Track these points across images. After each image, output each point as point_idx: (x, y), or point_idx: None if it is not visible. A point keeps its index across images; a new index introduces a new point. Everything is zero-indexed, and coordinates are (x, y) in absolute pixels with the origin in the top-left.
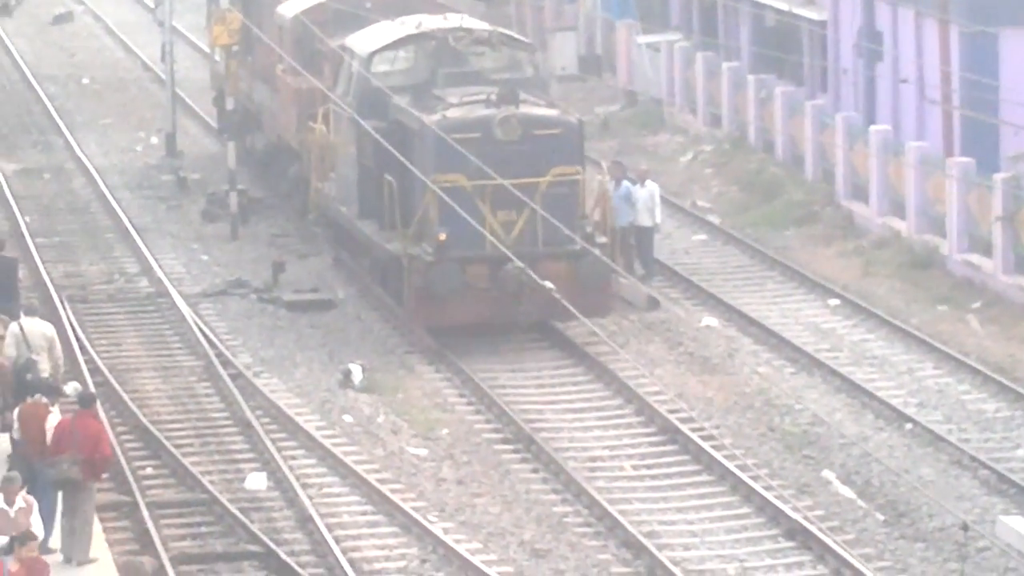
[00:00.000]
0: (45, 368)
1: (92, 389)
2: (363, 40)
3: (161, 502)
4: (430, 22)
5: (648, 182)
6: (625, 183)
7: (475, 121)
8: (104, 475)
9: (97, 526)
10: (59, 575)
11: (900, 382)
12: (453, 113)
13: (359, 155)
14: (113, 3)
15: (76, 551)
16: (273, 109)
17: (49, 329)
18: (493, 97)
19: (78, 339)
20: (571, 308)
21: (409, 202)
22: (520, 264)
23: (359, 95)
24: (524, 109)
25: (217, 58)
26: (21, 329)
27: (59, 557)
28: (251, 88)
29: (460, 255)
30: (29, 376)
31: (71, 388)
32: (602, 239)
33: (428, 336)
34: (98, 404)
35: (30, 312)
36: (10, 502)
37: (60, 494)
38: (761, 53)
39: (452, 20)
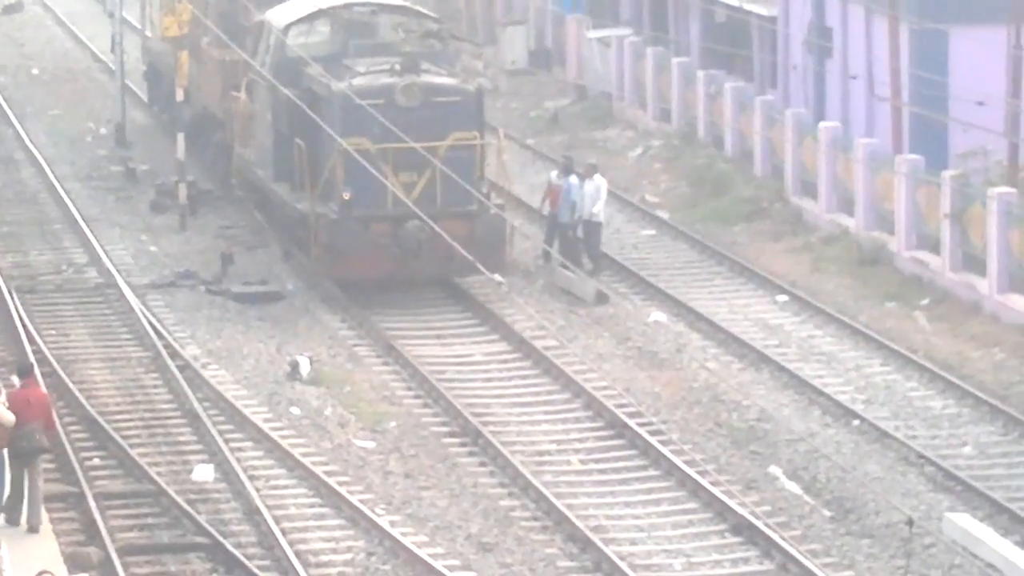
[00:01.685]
0: None
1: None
2: (281, 14)
3: (108, 493)
4: None
5: (596, 176)
6: (570, 178)
7: (379, 88)
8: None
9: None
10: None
11: (848, 378)
12: (359, 81)
13: (275, 122)
14: None
15: (33, 517)
16: (199, 81)
17: None
18: (397, 67)
19: (26, 329)
20: (472, 260)
21: (317, 164)
22: (423, 218)
23: (276, 65)
24: (425, 78)
25: (148, 33)
26: None
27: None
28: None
29: (363, 213)
30: None
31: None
32: (497, 201)
33: (335, 287)
34: (36, 371)
35: None
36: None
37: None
38: (711, 48)
39: None
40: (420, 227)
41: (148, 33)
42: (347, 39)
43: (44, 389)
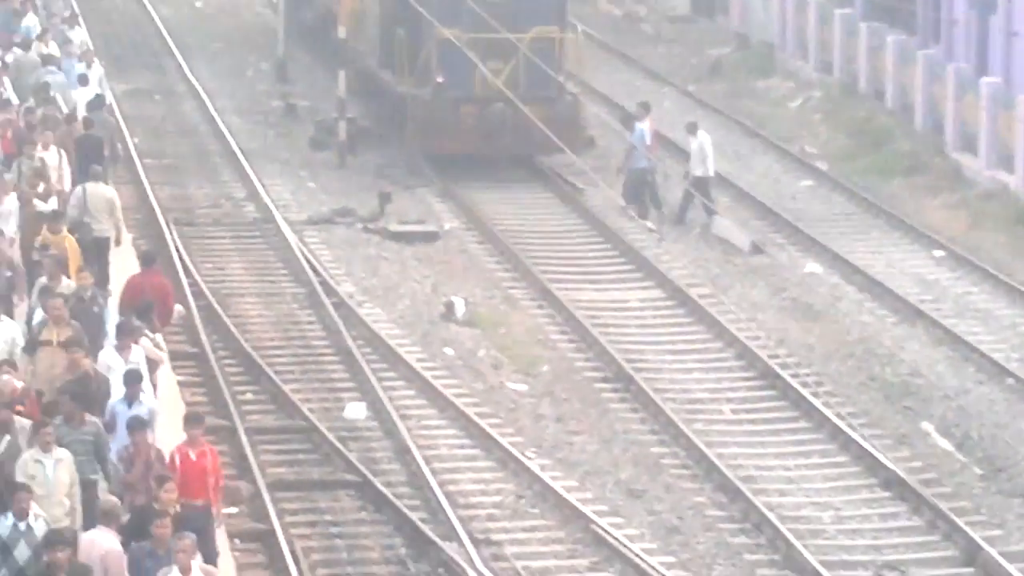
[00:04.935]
0: (105, 229)
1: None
2: None
3: (260, 428)
4: None
5: (700, 132)
6: (639, 127)
7: None
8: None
9: None
10: None
11: (1003, 336)
12: None
13: (381, 15)
14: None
15: None
16: None
17: (110, 192)
18: None
19: (183, 261)
20: (553, 138)
21: (415, 52)
22: (511, 97)
23: None
24: None
25: None
26: (84, 192)
27: None
28: None
29: (454, 95)
30: (76, 236)
31: (176, 312)
32: (574, 89)
33: (427, 165)
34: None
35: (95, 177)
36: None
37: None
38: (874, 1)
39: None
40: (504, 109)
41: None
42: None
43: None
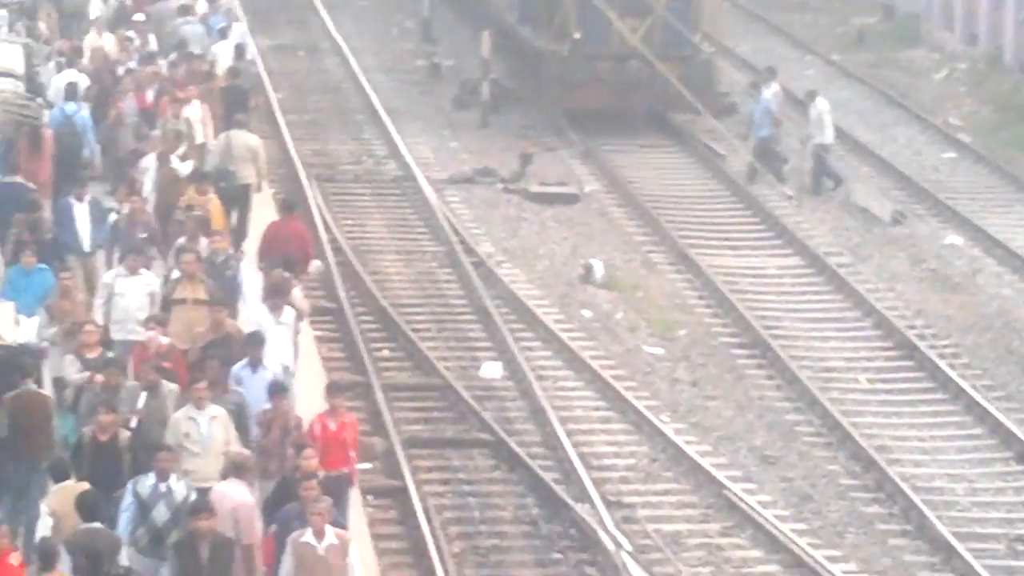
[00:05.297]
0: (247, 176)
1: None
2: None
3: (395, 385)
4: None
5: (819, 99)
6: (764, 93)
7: None
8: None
9: None
10: None
11: None
12: None
13: None
14: None
15: None
16: None
17: (255, 140)
18: None
19: (323, 217)
20: (687, 95)
21: (554, 8)
22: (647, 55)
23: None
24: None
25: None
26: (228, 139)
27: None
28: None
29: (590, 52)
30: (223, 184)
31: (313, 267)
32: (709, 48)
33: (569, 126)
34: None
35: (239, 125)
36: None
37: None
38: None
39: None
40: (640, 66)
41: None
42: None
43: (304, 226)
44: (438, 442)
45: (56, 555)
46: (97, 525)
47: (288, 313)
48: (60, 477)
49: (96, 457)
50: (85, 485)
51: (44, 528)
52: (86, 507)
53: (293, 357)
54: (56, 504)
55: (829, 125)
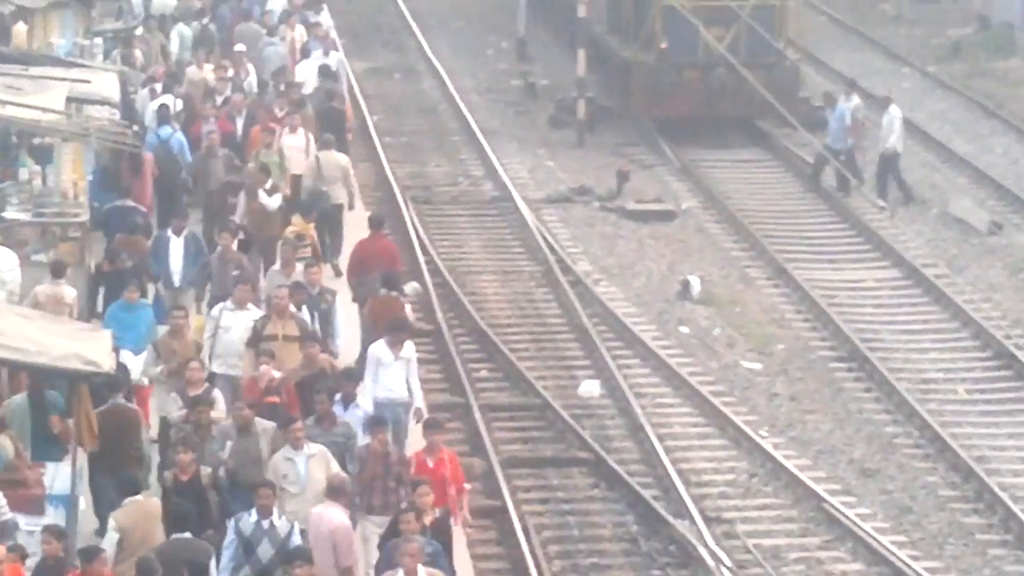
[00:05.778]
0: (341, 196)
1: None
2: None
3: (494, 405)
4: None
5: (892, 107)
6: (840, 106)
7: None
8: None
9: None
10: None
11: None
12: None
13: None
14: None
15: None
16: None
17: (344, 159)
18: None
19: (419, 239)
20: (770, 100)
21: (641, 19)
22: (733, 62)
23: None
24: None
25: None
26: (317, 161)
27: None
28: None
29: (677, 61)
30: (314, 205)
31: (410, 288)
32: (794, 56)
33: (656, 133)
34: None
35: (325, 145)
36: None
37: None
38: None
39: None
40: (725, 73)
41: None
42: None
43: (393, 243)
44: (537, 461)
45: (156, 571)
46: (188, 536)
47: (408, 348)
48: (130, 492)
49: (181, 498)
50: (155, 501)
51: (108, 543)
52: (178, 517)
53: (415, 393)
54: (123, 519)
55: (897, 133)
